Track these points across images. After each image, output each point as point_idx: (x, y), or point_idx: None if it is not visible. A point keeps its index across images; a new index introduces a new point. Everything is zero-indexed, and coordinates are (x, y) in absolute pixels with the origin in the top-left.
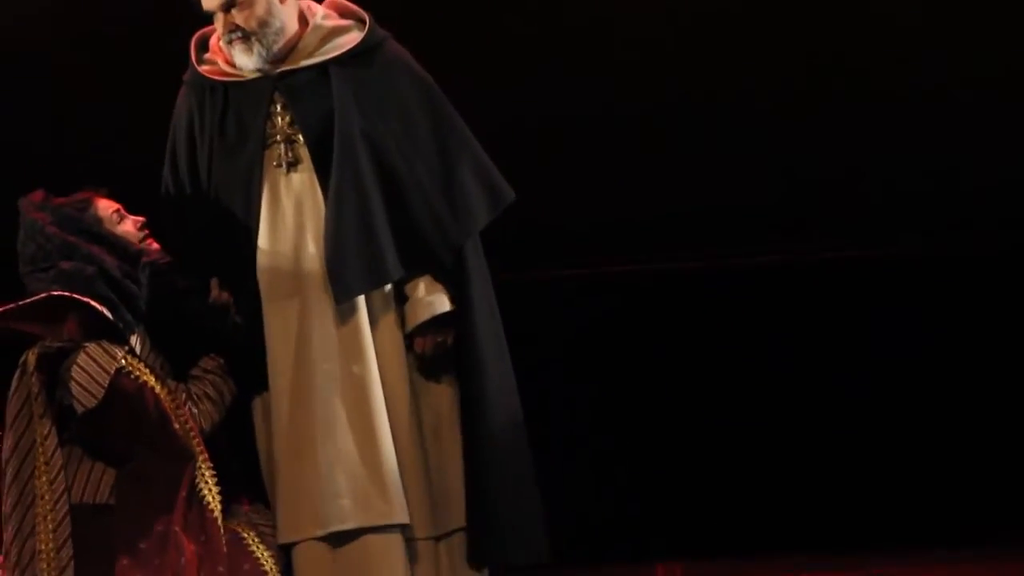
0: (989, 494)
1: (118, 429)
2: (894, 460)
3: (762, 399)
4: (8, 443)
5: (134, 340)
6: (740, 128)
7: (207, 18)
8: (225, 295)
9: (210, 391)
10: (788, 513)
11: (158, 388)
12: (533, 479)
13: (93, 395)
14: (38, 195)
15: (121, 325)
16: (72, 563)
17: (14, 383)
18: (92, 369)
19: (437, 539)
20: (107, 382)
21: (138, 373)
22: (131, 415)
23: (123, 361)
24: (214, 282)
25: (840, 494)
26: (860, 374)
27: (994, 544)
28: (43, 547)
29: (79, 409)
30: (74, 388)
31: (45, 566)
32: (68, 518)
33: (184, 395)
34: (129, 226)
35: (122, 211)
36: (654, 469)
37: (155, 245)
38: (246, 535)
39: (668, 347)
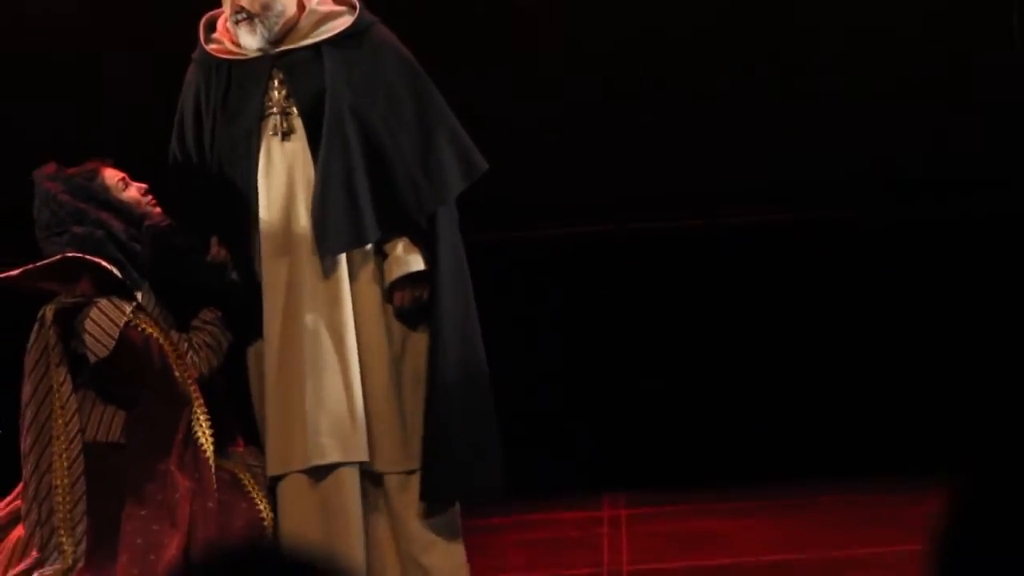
0: (915, 427)
1: (126, 375)
2: (824, 396)
3: (702, 340)
4: (27, 389)
5: (140, 295)
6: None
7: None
8: (223, 252)
9: (209, 340)
10: (724, 446)
11: (162, 339)
12: (491, 422)
13: (104, 345)
14: (50, 167)
15: (128, 283)
16: (84, 496)
17: (33, 335)
18: (103, 322)
19: (409, 473)
20: (117, 334)
21: (144, 325)
22: (137, 363)
23: (130, 315)
24: (213, 240)
25: (776, 428)
26: (795, 322)
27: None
28: (58, 482)
29: (92, 358)
30: (87, 339)
31: (60, 499)
32: (81, 456)
33: (186, 344)
34: (133, 192)
35: (127, 179)
36: (600, 406)
37: (157, 209)
38: (242, 476)
39: (619, 297)
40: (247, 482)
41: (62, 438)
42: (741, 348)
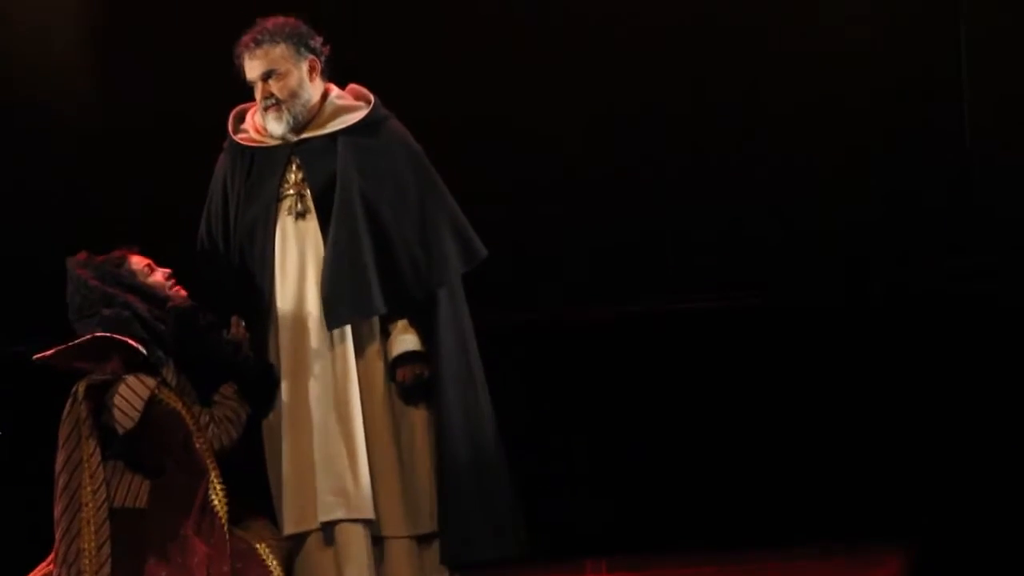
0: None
1: (150, 446)
2: (795, 464)
3: (679, 414)
4: (60, 458)
5: (165, 372)
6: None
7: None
8: (243, 329)
9: (229, 413)
10: (700, 513)
11: (184, 412)
12: (506, 488)
13: (131, 418)
14: (82, 255)
15: (153, 360)
16: (109, 560)
17: (66, 409)
18: (130, 396)
19: (412, 539)
20: (142, 407)
21: (168, 400)
22: (161, 435)
23: (155, 389)
24: (235, 318)
25: (749, 495)
26: (760, 398)
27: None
28: (86, 546)
29: (120, 430)
30: (116, 413)
31: (87, 562)
32: (107, 523)
33: (207, 417)
34: (159, 277)
35: (152, 264)
36: (582, 473)
37: (181, 292)
38: (258, 546)
39: (598, 371)
40: (263, 551)
41: (90, 505)
42: (712, 423)
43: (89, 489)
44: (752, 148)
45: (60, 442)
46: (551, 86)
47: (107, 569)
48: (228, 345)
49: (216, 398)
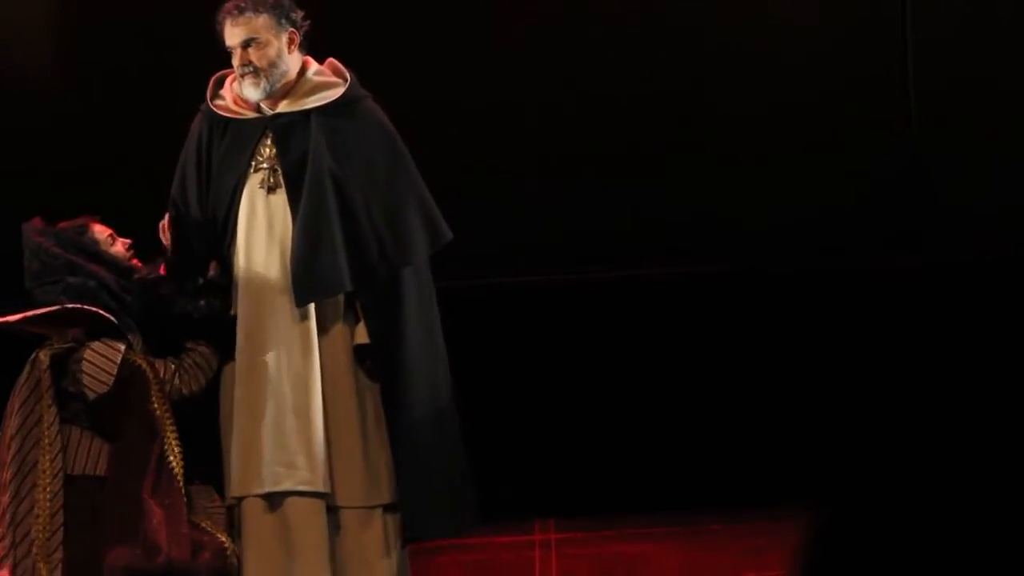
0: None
1: (113, 408)
2: (743, 429)
3: (627, 378)
4: (14, 423)
5: (132, 339)
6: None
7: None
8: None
9: (198, 359)
10: (646, 477)
11: (147, 369)
12: (462, 461)
13: (103, 382)
14: (37, 221)
15: (123, 328)
16: (62, 528)
17: (24, 375)
18: (101, 362)
19: (368, 509)
20: (115, 370)
21: (135, 359)
22: (126, 395)
23: (124, 351)
24: (213, 264)
25: (694, 459)
26: (707, 363)
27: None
28: (39, 511)
29: (90, 395)
30: (85, 378)
31: (40, 527)
32: (62, 490)
33: (173, 366)
34: (120, 248)
35: (114, 235)
36: (531, 436)
37: (139, 263)
38: (203, 523)
39: (549, 334)
40: (208, 526)
41: (47, 472)
42: (661, 387)
43: (47, 456)
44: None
45: (13, 408)
46: (520, 61)
47: (59, 537)
48: (194, 302)
49: (188, 345)
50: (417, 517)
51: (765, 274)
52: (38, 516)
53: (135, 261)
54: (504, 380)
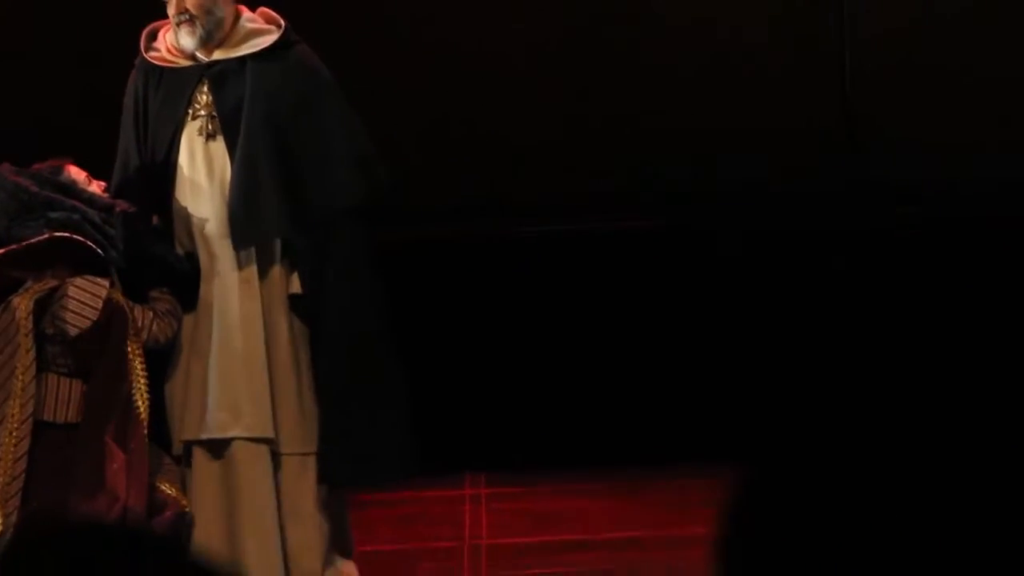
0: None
1: (91, 349)
2: (678, 386)
3: (557, 331)
4: None
5: (114, 274)
6: None
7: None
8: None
9: (168, 307)
10: (575, 431)
11: (128, 311)
12: (391, 409)
13: (87, 318)
14: (7, 165)
15: (109, 260)
16: (23, 474)
17: None
18: (84, 298)
19: (308, 455)
20: (100, 306)
21: (117, 299)
22: (106, 336)
23: (108, 288)
24: (154, 218)
25: (626, 414)
26: (640, 319)
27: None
28: (2, 455)
29: (72, 332)
30: (68, 316)
31: (1, 471)
32: (29, 437)
33: (151, 313)
34: (96, 188)
35: (89, 176)
36: (460, 390)
37: (116, 201)
38: (164, 484)
39: (481, 289)
40: (168, 487)
41: (15, 416)
42: (589, 342)
43: (17, 402)
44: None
45: None
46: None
47: (19, 483)
48: (172, 251)
49: (154, 294)
50: (331, 464)
51: (701, 231)
52: (0, 459)
53: (110, 199)
54: (437, 333)
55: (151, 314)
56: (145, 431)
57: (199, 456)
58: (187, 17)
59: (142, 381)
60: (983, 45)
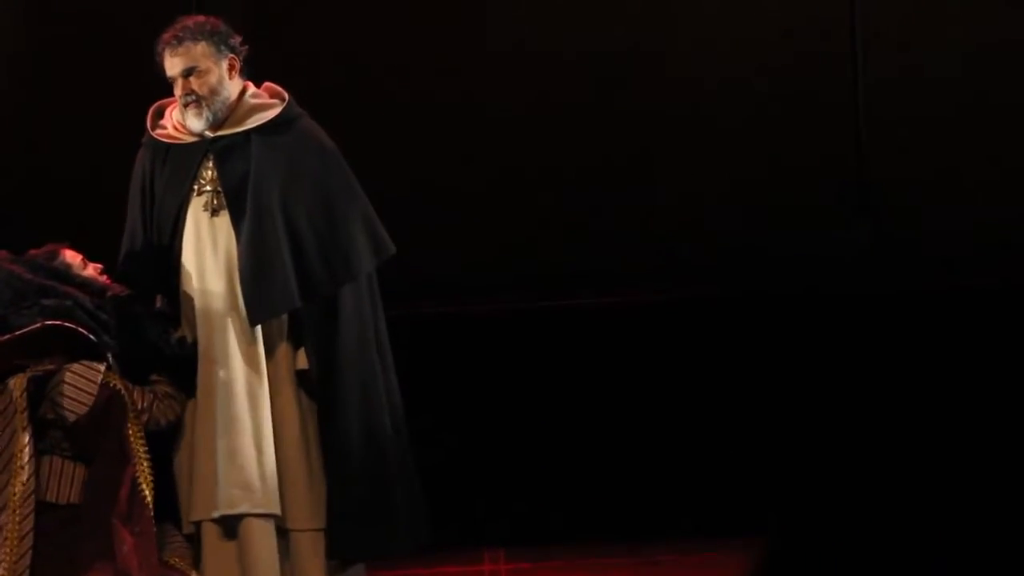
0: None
1: (89, 433)
2: (693, 459)
3: (573, 408)
4: None
5: (110, 358)
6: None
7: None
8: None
9: (169, 390)
10: (594, 506)
11: (127, 394)
12: (401, 483)
13: (83, 403)
14: (3, 252)
15: (102, 347)
16: (30, 551)
17: None
18: (82, 384)
19: (318, 531)
20: (95, 391)
21: (114, 382)
22: (105, 419)
23: (104, 373)
24: (159, 297)
25: (643, 490)
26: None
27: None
28: (8, 534)
29: (70, 418)
30: (65, 401)
31: (8, 550)
32: (32, 515)
33: (151, 396)
34: (91, 271)
35: (85, 260)
36: (479, 466)
37: (111, 284)
38: (173, 559)
39: (493, 365)
40: (177, 562)
41: (17, 495)
42: (606, 420)
43: (19, 479)
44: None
45: None
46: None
47: (27, 561)
48: (166, 334)
49: (153, 378)
50: (342, 538)
51: (711, 302)
52: (6, 539)
53: (108, 281)
54: (455, 408)
55: (152, 396)
56: (151, 514)
57: (210, 534)
58: (194, 99)
59: (145, 464)
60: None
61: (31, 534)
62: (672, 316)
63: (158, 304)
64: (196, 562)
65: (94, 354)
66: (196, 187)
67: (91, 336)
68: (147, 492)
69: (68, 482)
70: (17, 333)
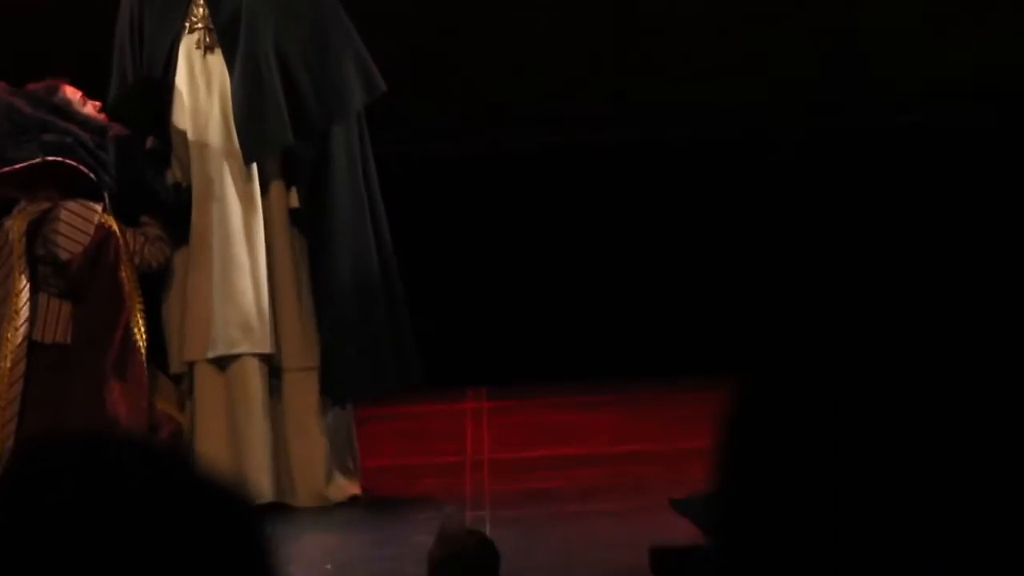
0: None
1: (83, 273)
2: (670, 299)
3: (559, 245)
4: None
5: (107, 198)
6: None
7: None
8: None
9: (160, 232)
10: (576, 344)
11: (120, 235)
12: (389, 324)
13: (79, 242)
14: (2, 84)
15: (102, 185)
16: (19, 398)
17: None
18: (76, 222)
19: (310, 370)
20: (92, 230)
21: (108, 223)
22: (97, 259)
23: (100, 213)
24: (150, 139)
25: (626, 327)
26: (647, 231)
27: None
28: None
29: (63, 256)
30: (60, 240)
31: None
32: (24, 360)
33: (142, 239)
34: (90, 108)
35: (84, 96)
36: (462, 306)
37: (109, 122)
38: (160, 403)
39: (479, 204)
40: (164, 406)
41: (10, 340)
42: (593, 256)
43: (13, 325)
44: None
45: None
46: None
47: (15, 407)
48: (162, 177)
49: (144, 219)
50: (333, 378)
51: (701, 143)
52: None
53: (106, 119)
54: (438, 248)
55: (143, 239)
56: (143, 359)
57: (203, 374)
58: None
59: (138, 308)
60: None
61: (22, 380)
62: (660, 157)
63: (149, 144)
64: (182, 403)
65: (92, 193)
66: (187, 24)
67: (91, 175)
68: (140, 339)
69: (55, 321)
70: (16, 167)
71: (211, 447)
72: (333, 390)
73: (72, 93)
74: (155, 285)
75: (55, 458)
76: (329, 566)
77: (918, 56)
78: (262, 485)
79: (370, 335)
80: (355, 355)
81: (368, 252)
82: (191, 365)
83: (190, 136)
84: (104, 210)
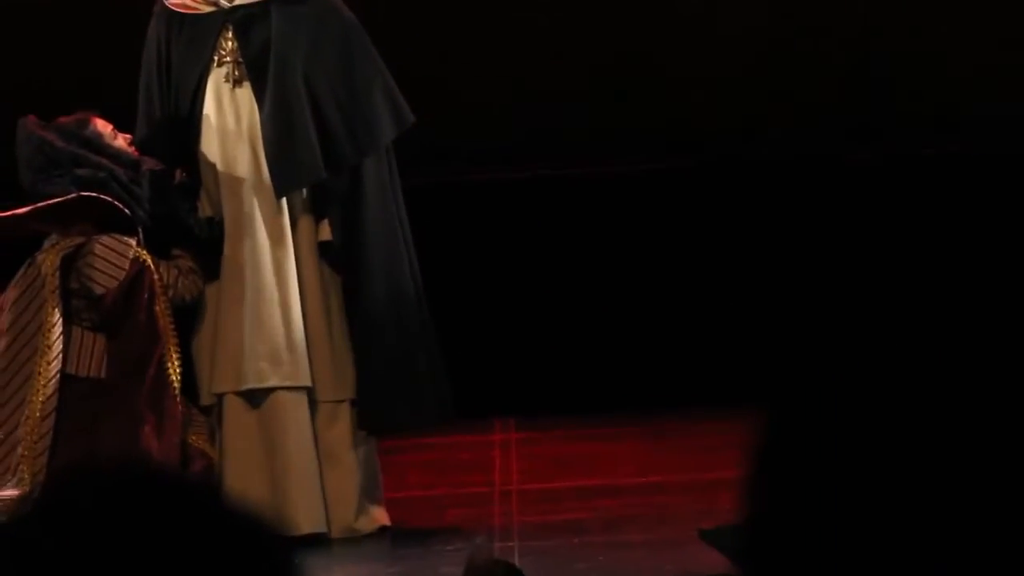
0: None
1: (121, 308)
2: (698, 330)
3: (586, 278)
4: (5, 319)
5: (141, 233)
6: None
7: None
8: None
9: (192, 265)
10: (605, 375)
11: (154, 269)
12: (424, 356)
13: (114, 276)
14: (33, 118)
15: (136, 220)
16: (52, 432)
17: (20, 274)
18: (111, 256)
19: (343, 402)
20: (127, 265)
21: (143, 257)
22: (132, 294)
23: (135, 247)
24: (178, 171)
25: (653, 359)
26: (675, 262)
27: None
28: (30, 413)
29: (98, 291)
30: (95, 275)
31: (29, 429)
32: (56, 394)
33: (175, 271)
34: (121, 142)
35: (115, 129)
36: (492, 336)
37: (140, 156)
38: (192, 438)
39: (509, 235)
40: (196, 440)
41: (43, 374)
42: (619, 287)
43: (45, 359)
44: None
45: (6, 303)
46: None
47: (47, 440)
48: (195, 211)
49: (175, 252)
50: (371, 411)
51: (724, 168)
52: (27, 418)
53: (136, 153)
54: (468, 279)
55: (176, 272)
56: (177, 393)
57: (233, 407)
58: None
59: (172, 343)
60: None
61: (53, 414)
62: (683, 184)
63: (178, 178)
64: (212, 435)
65: (125, 227)
66: (216, 58)
67: (126, 210)
68: (174, 373)
69: (89, 353)
70: (51, 202)
71: (239, 479)
72: (372, 423)
73: (103, 126)
74: (186, 317)
75: (86, 490)
76: None
77: (943, 82)
78: (297, 518)
79: (408, 368)
80: (394, 388)
81: (404, 284)
82: (220, 397)
83: (220, 170)
84: (138, 244)
